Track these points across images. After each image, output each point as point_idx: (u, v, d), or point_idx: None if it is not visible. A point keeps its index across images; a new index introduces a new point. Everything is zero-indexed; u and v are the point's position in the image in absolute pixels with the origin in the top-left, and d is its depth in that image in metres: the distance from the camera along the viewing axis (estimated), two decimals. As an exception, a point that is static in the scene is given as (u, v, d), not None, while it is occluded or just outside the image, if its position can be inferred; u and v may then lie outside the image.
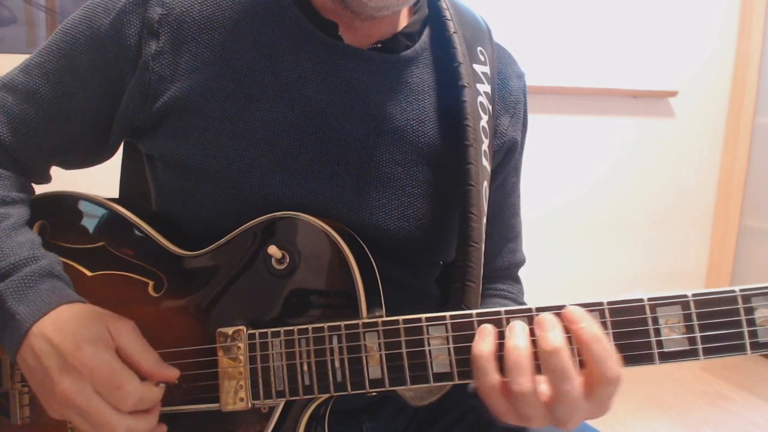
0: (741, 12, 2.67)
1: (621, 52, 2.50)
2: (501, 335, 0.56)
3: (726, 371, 2.48)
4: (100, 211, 0.72)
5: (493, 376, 0.55)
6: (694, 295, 0.53)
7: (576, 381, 0.53)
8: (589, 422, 0.80)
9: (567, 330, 0.54)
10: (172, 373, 0.63)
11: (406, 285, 0.76)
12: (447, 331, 0.58)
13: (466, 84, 0.72)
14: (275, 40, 0.70)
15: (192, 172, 0.69)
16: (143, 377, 0.61)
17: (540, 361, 0.54)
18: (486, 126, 0.74)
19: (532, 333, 0.55)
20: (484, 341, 0.56)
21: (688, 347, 0.53)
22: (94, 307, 0.63)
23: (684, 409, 2.20)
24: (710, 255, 2.84)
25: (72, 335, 0.59)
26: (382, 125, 0.71)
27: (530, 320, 0.56)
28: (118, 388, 0.58)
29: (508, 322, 0.57)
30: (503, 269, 0.88)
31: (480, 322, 0.57)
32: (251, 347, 0.63)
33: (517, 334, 0.55)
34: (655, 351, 0.54)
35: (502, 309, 0.57)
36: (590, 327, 0.53)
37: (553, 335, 0.53)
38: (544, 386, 0.55)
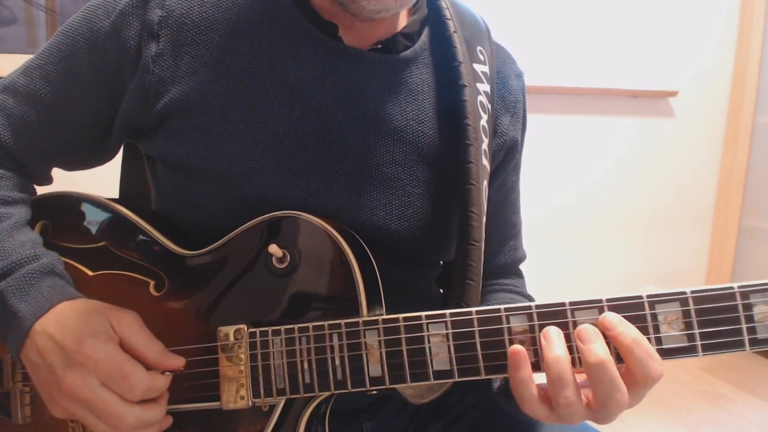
0: (741, 12, 2.67)
1: (621, 52, 2.50)
2: (503, 336, 0.57)
3: (726, 371, 2.48)
4: (101, 211, 0.73)
5: (534, 389, 0.55)
6: (692, 292, 0.53)
7: (624, 388, 0.53)
8: (589, 422, 0.80)
9: (606, 337, 0.54)
10: (177, 362, 0.63)
11: (406, 285, 0.77)
12: (447, 329, 0.58)
13: (466, 83, 0.73)
14: (275, 42, 0.70)
15: (192, 172, 0.70)
16: (148, 367, 0.61)
17: (586, 373, 0.54)
18: (486, 125, 0.74)
19: (531, 340, 0.56)
20: (525, 365, 0.55)
21: (687, 344, 0.53)
22: (95, 302, 0.63)
23: (684, 409, 2.20)
24: (710, 255, 2.84)
25: (74, 330, 0.59)
26: (381, 126, 0.71)
27: (530, 317, 0.56)
28: (124, 379, 0.58)
29: (508, 320, 0.57)
30: (505, 266, 0.89)
31: (480, 321, 0.57)
32: (252, 345, 0.63)
33: (555, 343, 0.54)
34: (654, 347, 0.54)
35: (502, 307, 0.57)
36: (629, 331, 0.53)
37: (596, 347, 0.53)
38: (587, 391, 0.55)
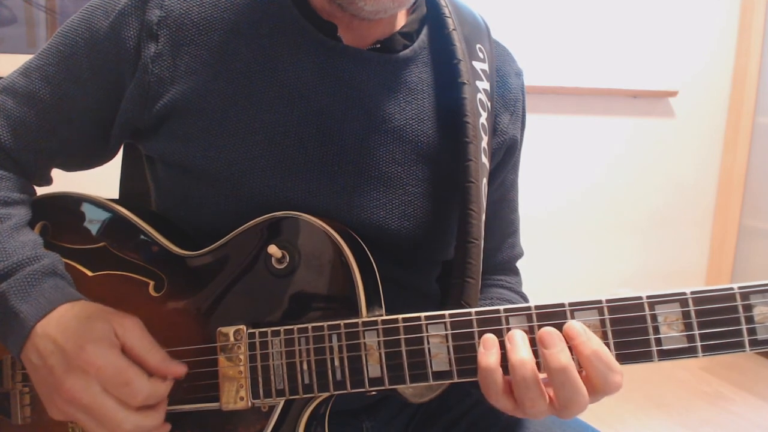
0: (741, 12, 2.67)
1: (621, 52, 2.50)
2: (502, 337, 0.57)
3: (726, 371, 2.48)
4: (101, 212, 0.73)
5: (500, 384, 0.56)
6: (692, 292, 0.53)
7: (585, 392, 0.54)
8: (589, 422, 0.81)
9: (568, 345, 0.54)
10: (179, 369, 0.63)
11: (407, 284, 0.77)
12: (446, 330, 0.58)
13: (465, 81, 0.73)
14: (275, 41, 0.70)
15: (192, 172, 0.70)
16: (150, 374, 0.61)
17: (549, 377, 0.54)
18: (485, 123, 0.74)
19: (531, 341, 0.56)
20: (490, 353, 0.56)
21: (686, 345, 0.53)
22: (97, 306, 0.63)
23: (684, 409, 2.20)
24: (710, 255, 2.84)
25: (75, 335, 0.59)
26: (381, 125, 0.71)
27: (529, 318, 0.56)
28: (126, 385, 0.58)
29: (507, 321, 0.57)
30: (503, 263, 0.89)
31: (479, 321, 0.57)
32: (251, 346, 0.63)
33: (519, 345, 0.55)
34: (654, 348, 0.54)
35: (501, 308, 0.57)
36: (590, 342, 0.54)
37: (558, 351, 0.54)
38: (549, 389, 0.55)
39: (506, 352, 0.55)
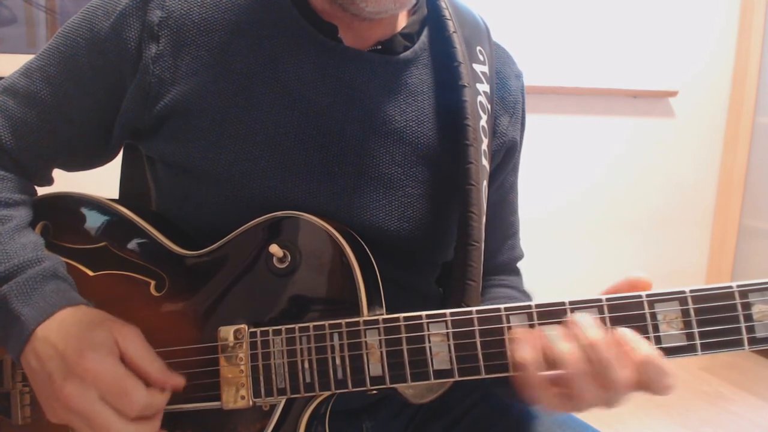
0: (741, 12, 2.67)
1: (621, 52, 2.50)
2: (503, 336, 0.57)
3: (726, 371, 2.48)
4: (102, 212, 0.73)
5: (543, 380, 0.55)
6: (691, 291, 0.54)
7: (619, 368, 0.52)
8: (589, 422, 0.81)
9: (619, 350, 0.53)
10: (178, 381, 0.63)
11: (407, 285, 0.77)
12: (447, 328, 0.58)
13: (466, 84, 0.73)
14: (275, 42, 0.70)
15: (192, 173, 0.70)
16: (148, 384, 0.60)
17: (584, 355, 0.53)
18: (485, 125, 0.74)
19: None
20: (524, 347, 0.55)
21: (686, 343, 0.54)
22: (99, 312, 0.63)
23: (684, 409, 2.20)
24: (710, 255, 2.84)
25: (76, 341, 0.59)
26: (381, 126, 0.71)
27: (530, 317, 0.56)
28: (124, 395, 0.58)
29: (508, 320, 0.57)
30: (503, 264, 0.89)
31: (480, 320, 0.58)
32: (252, 345, 0.63)
33: (589, 325, 0.54)
34: (653, 347, 0.54)
35: (502, 306, 0.57)
36: (640, 347, 0.53)
37: (590, 330, 0.53)
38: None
39: (576, 335, 0.54)
